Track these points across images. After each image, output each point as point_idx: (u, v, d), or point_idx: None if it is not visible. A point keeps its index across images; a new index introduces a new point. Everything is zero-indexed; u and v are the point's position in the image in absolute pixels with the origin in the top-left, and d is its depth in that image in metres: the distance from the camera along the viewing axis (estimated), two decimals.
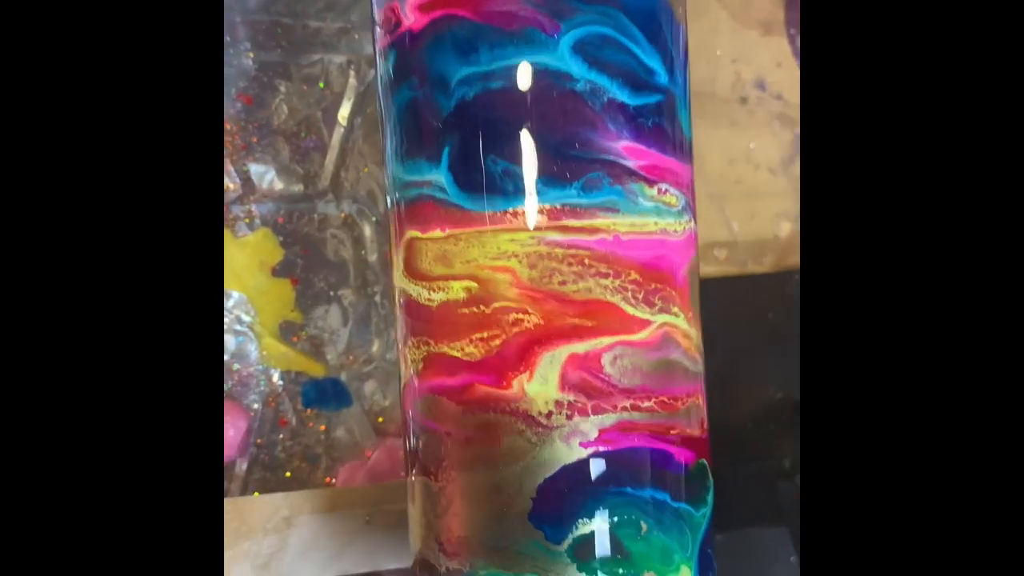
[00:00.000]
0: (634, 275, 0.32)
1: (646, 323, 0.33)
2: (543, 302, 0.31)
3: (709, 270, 0.38)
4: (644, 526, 0.32)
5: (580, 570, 0.31)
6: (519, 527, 0.31)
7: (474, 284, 0.32)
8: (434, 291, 0.33)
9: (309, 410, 0.43)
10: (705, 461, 0.35)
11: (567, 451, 0.31)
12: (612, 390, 0.32)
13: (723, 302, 0.37)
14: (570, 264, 0.32)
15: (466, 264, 0.32)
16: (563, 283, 0.31)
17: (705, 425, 0.35)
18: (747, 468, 0.37)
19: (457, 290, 0.32)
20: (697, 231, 0.36)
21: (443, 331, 0.32)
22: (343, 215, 0.45)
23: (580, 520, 0.31)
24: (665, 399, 0.33)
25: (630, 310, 0.32)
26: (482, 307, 0.32)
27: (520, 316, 0.32)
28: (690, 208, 0.34)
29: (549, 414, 0.31)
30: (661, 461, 0.33)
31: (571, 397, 0.31)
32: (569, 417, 0.31)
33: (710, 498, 0.35)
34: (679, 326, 0.34)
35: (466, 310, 0.32)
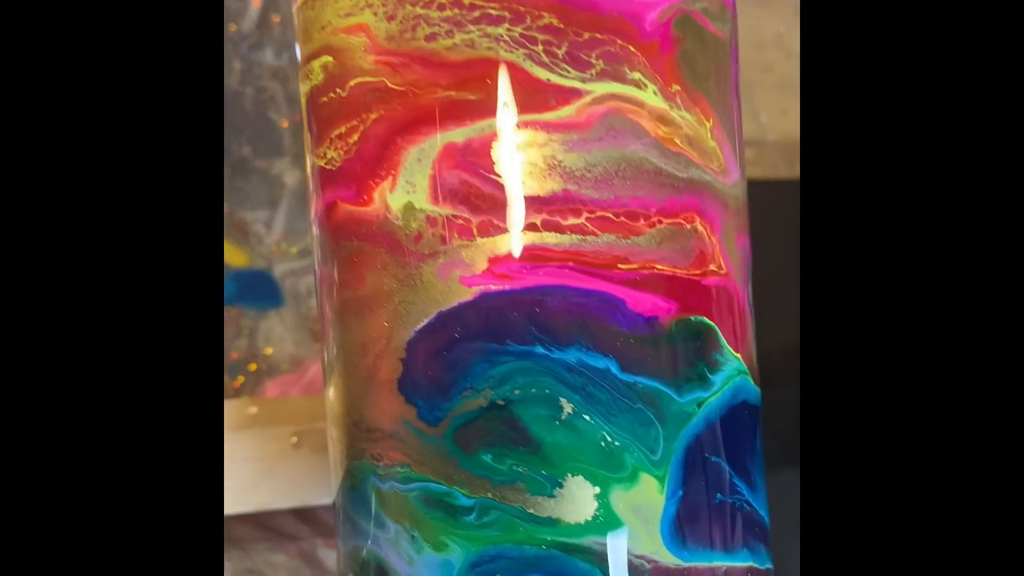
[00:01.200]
0: (548, 18, 0.21)
1: (572, 95, 0.21)
2: (405, 69, 0.21)
3: None
4: (567, 406, 0.21)
5: (463, 466, 0.21)
6: (387, 401, 0.22)
7: (329, 59, 0.22)
8: (304, 80, 0.24)
9: (228, 309, 0.34)
10: (710, 323, 0.22)
11: (444, 291, 0.21)
12: (513, 200, 0.21)
13: (749, 211, 0.26)
14: (441, 7, 0.21)
15: (321, 32, 0.23)
16: (432, 37, 0.21)
17: (720, 264, 0.22)
18: (766, 399, 0.25)
19: (317, 73, 0.23)
20: None
21: (314, 135, 0.23)
22: (274, 65, 0.36)
23: (464, 393, 0.21)
24: (613, 215, 0.21)
25: (541, 74, 0.21)
26: (338, 90, 0.22)
27: (377, 94, 0.22)
28: None
29: (418, 237, 0.21)
30: (601, 309, 0.21)
31: (448, 211, 0.21)
32: (445, 240, 0.21)
33: (717, 379, 0.22)
34: (643, 102, 0.21)
35: (325, 98, 0.23)
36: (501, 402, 0.21)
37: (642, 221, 0.21)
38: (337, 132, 0.22)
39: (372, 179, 0.22)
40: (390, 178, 0.21)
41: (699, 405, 0.22)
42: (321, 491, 0.25)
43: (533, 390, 0.21)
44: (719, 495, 0.22)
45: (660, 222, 0.21)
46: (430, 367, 0.21)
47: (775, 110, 0.35)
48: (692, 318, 0.22)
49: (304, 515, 0.29)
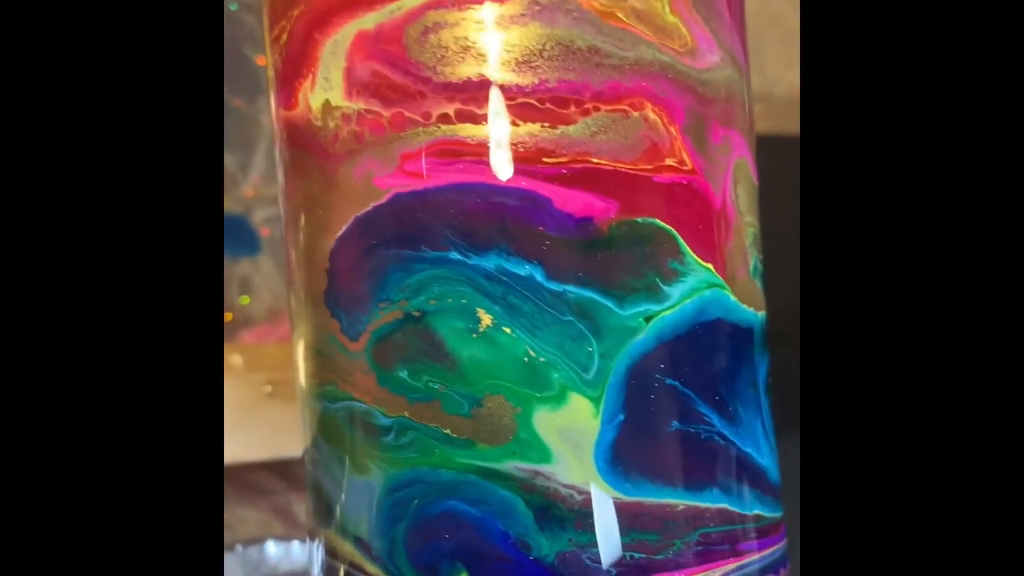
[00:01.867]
0: None
1: None
2: None
3: None
4: (485, 318, 0.19)
5: (381, 382, 0.19)
6: (317, 316, 0.21)
7: None
8: None
9: None
10: (665, 226, 0.19)
11: (360, 193, 0.19)
12: (424, 89, 0.19)
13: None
14: None
15: None
16: None
17: (683, 159, 0.19)
18: (775, 360, 0.23)
19: None
20: None
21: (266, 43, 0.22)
22: None
23: (379, 305, 0.19)
24: (537, 102, 0.18)
25: None
26: None
27: None
28: None
29: (335, 136, 0.20)
30: (523, 209, 0.19)
31: (360, 105, 0.19)
32: (358, 138, 0.19)
33: (675, 291, 0.19)
34: None
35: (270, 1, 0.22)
36: (416, 313, 0.19)
37: (573, 108, 0.18)
38: (274, 35, 0.21)
39: (297, 80, 0.20)
40: (310, 76, 0.20)
41: (647, 320, 0.19)
42: (296, 442, 0.24)
43: (449, 300, 0.19)
44: (675, 423, 0.19)
45: (596, 109, 0.19)
46: (349, 277, 0.20)
47: (782, 63, 0.32)
48: (639, 220, 0.19)
49: (278, 468, 0.28)
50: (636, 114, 0.19)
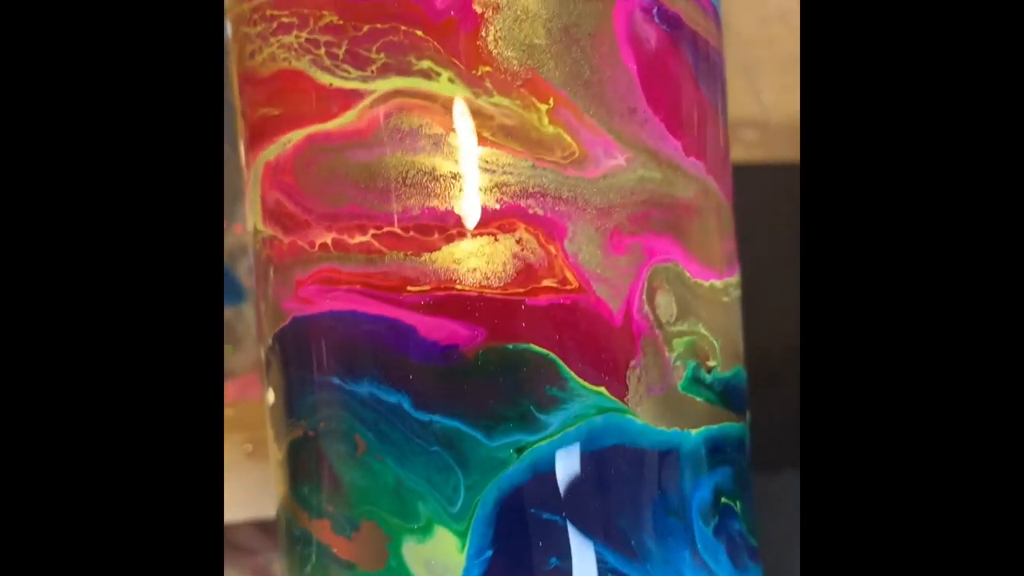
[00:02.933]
0: (329, 17, 0.19)
1: (353, 98, 0.19)
2: (243, 89, 0.21)
3: (734, 155, 0.25)
4: (361, 444, 0.19)
5: (292, 494, 0.20)
6: (268, 421, 0.22)
7: None
8: None
9: None
10: (542, 351, 0.18)
11: (275, 315, 0.21)
12: (310, 218, 0.19)
13: (750, 197, 0.24)
14: (254, 23, 0.20)
15: None
16: (251, 55, 0.20)
17: (569, 278, 0.18)
18: (768, 395, 0.23)
19: None
20: None
21: None
22: None
23: (288, 420, 0.20)
24: (401, 230, 0.18)
25: (325, 79, 0.19)
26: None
27: (239, 116, 0.22)
28: None
29: (258, 257, 0.21)
30: (390, 338, 0.19)
31: (269, 231, 0.20)
32: (270, 261, 0.20)
33: (554, 420, 0.18)
34: (435, 94, 0.18)
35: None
36: (312, 433, 0.20)
37: (437, 235, 0.18)
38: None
39: (248, 202, 0.22)
40: (249, 200, 0.21)
41: (518, 451, 0.18)
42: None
43: (333, 424, 0.19)
44: (554, 560, 0.18)
45: (461, 235, 0.18)
46: (275, 392, 0.21)
47: (779, 88, 0.31)
48: (509, 346, 0.18)
49: (262, 527, 0.29)
50: (506, 236, 0.18)
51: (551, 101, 0.18)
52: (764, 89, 0.32)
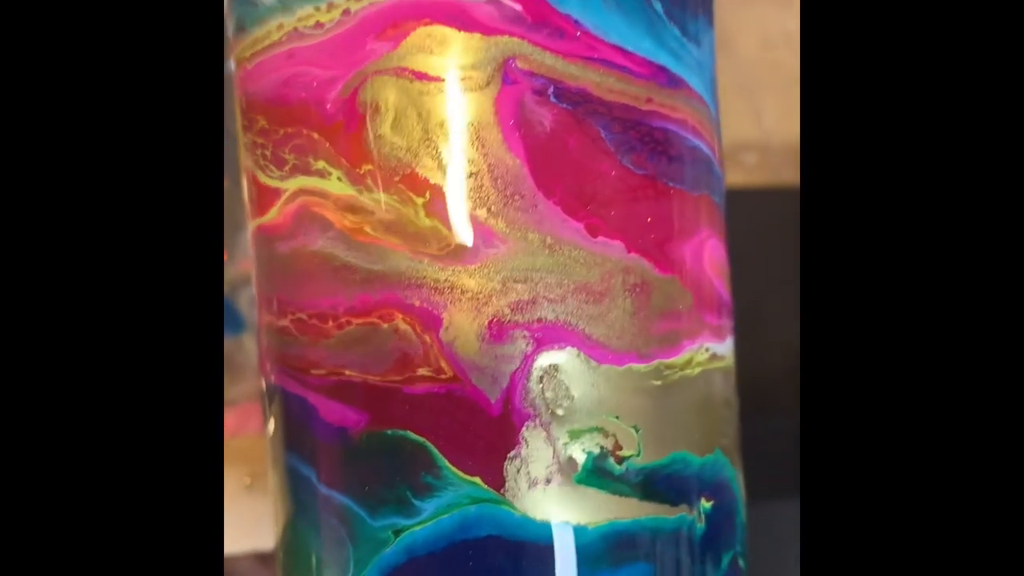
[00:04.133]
0: (262, 121, 0.21)
1: (274, 196, 0.21)
2: None
3: (734, 179, 0.26)
4: (290, 510, 0.21)
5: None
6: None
7: None
8: None
9: None
10: (417, 438, 0.19)
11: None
12: (259, 298, 0.22)
13: (749, 220, 0.25)
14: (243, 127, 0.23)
15: None
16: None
17: (443, 367, 0.19)
18: (767, 424, 0.23)
19: None
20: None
21: None
22: None
23: None
24: (306, 316, 0.20)
25: (262, 179, 0.21)
26: None
27: None
28: None
29: None
30: (301, 416, 0.20)
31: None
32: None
33: (428, 506, 0.19)
34: (328, 192, 0.20)
35: None
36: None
37: (331, 323, 0.19)
38: None
39: None
40: None
41: (395, 533, 0.19)
42: None
43: (273, 489, 0.21)
44: None
45: (348, 323, 0.19)
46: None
47: (781, 110, 0.32)
48: (387, 432, 0.19)
49: (261, 559, 0.29)
50: (386, 325, 0.19)
51: (427, 194, 0.19)
52: (765, 112, 0.31)
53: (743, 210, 0.27)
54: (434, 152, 0.19)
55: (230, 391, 0.31)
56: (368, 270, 0.19)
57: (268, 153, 0.20)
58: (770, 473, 0.21)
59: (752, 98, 0.32)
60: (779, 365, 0.26)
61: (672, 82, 0.20)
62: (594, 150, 0.19)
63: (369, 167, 0.19)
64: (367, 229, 0.19)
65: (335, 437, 0.19)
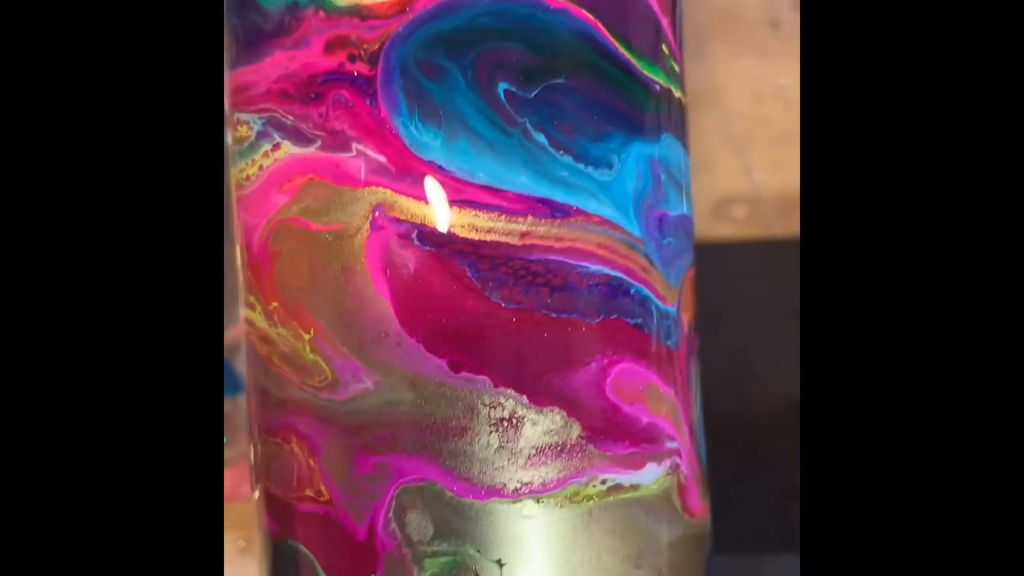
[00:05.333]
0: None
1: (239, 320, 0.24)
2: None
3: (725, 231, 0.28)
4: None
5: None
6: None
7: None
8: None
9: None
10: (306, 551, 0.21)
11: None
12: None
13: (739, 271, 0.27)
14: None
15: None
16: None
17: (321, 490, 0.21)
18: (758, 480, 0.24)
19: None
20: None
21: None
22: None
23: None
24: (249, 432, 0.23)
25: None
26: None
27: None
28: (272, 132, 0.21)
29: None
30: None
31: None
32: None
33: None
34: (255, 323, 0.22)
35: None
36: None
37: (256, 435, 0.22)
38: None
39: None
40: None
41: None
42: None
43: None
44: None
45: (266, 440, 0.22)
46: None
47: (770, 165, 0.32)
48: (288, 541, 0.21)
49: None
50: (286, 446, 0.21)
51: (312, 332, 0.21)
52: (756, 166, 0.32)
53: (733, 263, 0.29)
54: (317, 293, 0.20)
55: (225, 452, 0.30)
56: (275, 395, 0.21)
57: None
58: (756, 528, 0.20)
59: (742, 152, 0.32)
60: (768, 417, 0.25)
61: (558, 212, 0.20)
62: (459, 288, 0.20)
63: (275, 304, 0.21)
64: (274, 359, 0.21)
65: (266, 536, 0.22)
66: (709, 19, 0.32)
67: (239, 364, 0.32)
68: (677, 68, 0.23)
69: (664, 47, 0.22)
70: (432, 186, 0.20)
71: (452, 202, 0.20)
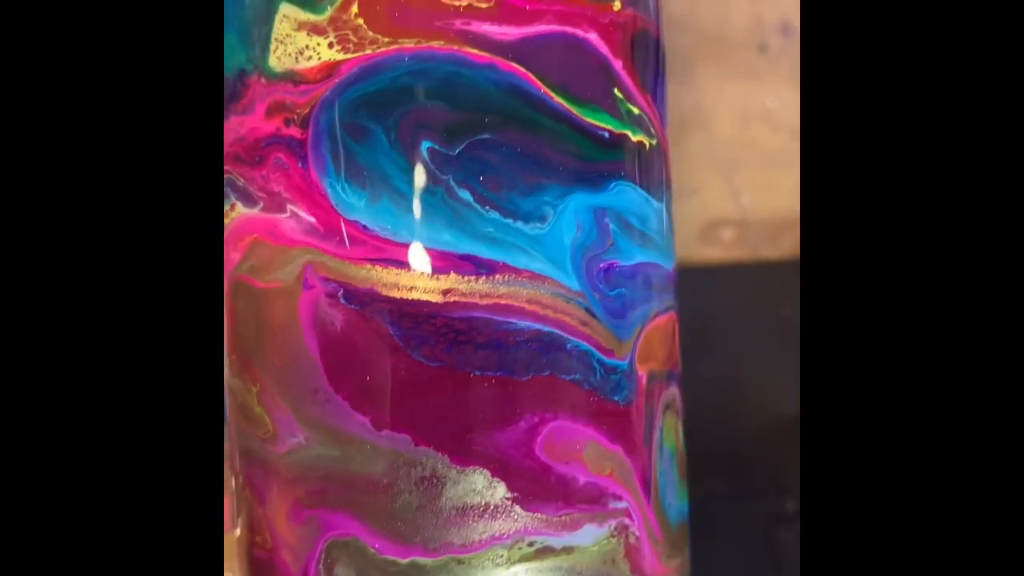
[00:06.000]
0: None
1: None
2: None
3: (712, 254, 0.28)
4: None
5: None
6: None
7: None
8: None
9: None
10: None
11: None
12: None
13: (727, 294, 0.28)
14: None
15: None
16: None
17: (266, 538, 0.21)
18: (745, 505, 0.24)
19: None
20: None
21: None
22: None
23: None
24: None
25: None
26: None
27: None
28: None
29: None
30: None
31: None
32: None
33: None
34: (227, 374, 0.23)
35: None
36: None
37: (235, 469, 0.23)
38: None
39: None
40: None
41: None
42: None
43: None
44: None
45: (236, 479, 0.23)
46: None
47: (758, 188, 0.32)
48: None
49: None
50: (246, 492, 0.22)
51: (258, 386, 0.21)
52: (743, 189, 0.32)
53: (721, 285, 0.29)
54: (262, 348, 0.21)
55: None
56: (239, 444, 0.22)
57: None
58: (744, 554, 0.20)
59: (729, 175, 0.32)
60: (755, 439, 0.25)
61: (483, 268, 0.20)
62: (382, 346, 0.20)
63: (234, 356, 0.22)
64: (235, 410, 0.22)
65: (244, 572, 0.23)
66: (696, 43, 0.32)
67: None
68: (637, 111, 0.22)
69: (617, 91, 0.21)
70: (354, 245, 0.20)
71: (375, 261, 0.20)
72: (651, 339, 0.22)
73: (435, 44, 0.20)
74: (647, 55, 0.23)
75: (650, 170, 0.22)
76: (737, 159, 0.32)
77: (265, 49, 0.21)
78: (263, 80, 0.21)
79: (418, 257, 0.20)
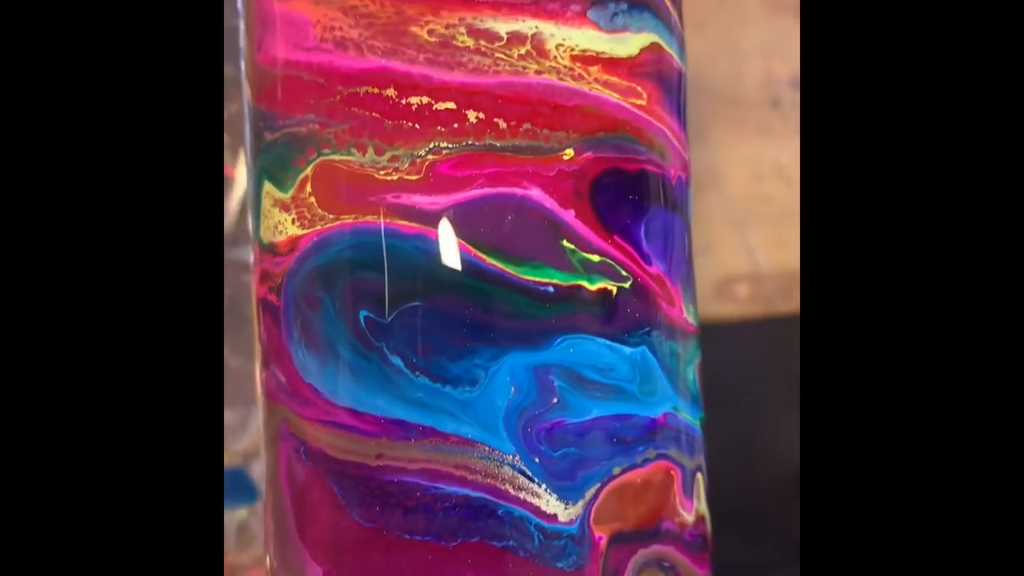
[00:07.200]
0: None
1: None
2: None
3: (727, 311, 0.30)
4: None
5: None
6: None
7: None
8: None
9: None
10: None
11: None
12: None
13: (742, 349, 0.29)
14: None
15: None
16: None
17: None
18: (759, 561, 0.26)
19: None
20: None
21: None
22: None
23: None
24: None
25: None
26: None
27: None
28: None
29: None
30: None
31: None
32: None
33: None
34: None
35: None
36: None
37: None
38: None
39: None
40: None
41: None
42: None
43: None
44: None
45: None
46: None
47: (772, 244, 0.33)
48: None
49: None
50: None
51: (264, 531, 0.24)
52: (757, 245, 0.32)
53: (736, 341, 0.29)
54: (268, 497, 0.24)
55: (241, 556, 0.31)
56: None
57: None
58: None
59: (743, 231, 0.33)
60: (772, 495, 0.24)
61: (412, 433, 0.20)
62: (330, 504, 0.21)
63: None
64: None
65: None
66: (711, 104, 0.32)
67: (254, 472, 0.32)
68: (598, 257, 0.21)
69: (566, 242, 0.21)
70: (307, 406, 0.22)
71: (324, 423, 0.21)
72: (618, 497, 0.21)
73: (370, 218, 0.21)
74: (627, 192, 0.22)
75: (620, 314, 0.21)
76: (750, 215, 0.32)
77: (257, 221, 0.23)
78: (259, 249, 0.23)
79: (354, 420, 0.21)
